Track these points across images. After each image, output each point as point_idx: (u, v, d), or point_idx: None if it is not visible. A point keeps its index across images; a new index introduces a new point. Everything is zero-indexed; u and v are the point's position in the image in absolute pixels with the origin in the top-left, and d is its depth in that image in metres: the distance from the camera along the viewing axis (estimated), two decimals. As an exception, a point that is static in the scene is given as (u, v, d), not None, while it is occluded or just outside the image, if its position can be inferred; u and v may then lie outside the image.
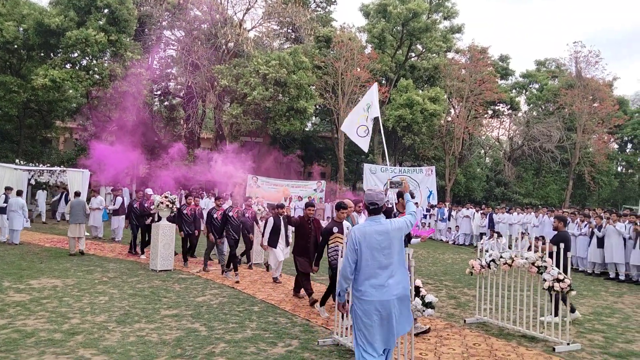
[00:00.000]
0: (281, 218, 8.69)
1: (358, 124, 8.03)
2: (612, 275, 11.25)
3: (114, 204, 14.16)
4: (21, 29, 19.77)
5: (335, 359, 5.01)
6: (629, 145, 35.28)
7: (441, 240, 19.04)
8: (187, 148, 21.85)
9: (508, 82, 33.26)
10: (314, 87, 23.72)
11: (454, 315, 7.06)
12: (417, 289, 5.04)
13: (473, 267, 6.68)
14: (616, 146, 34.47)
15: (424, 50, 28.40)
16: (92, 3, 19.73)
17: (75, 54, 19.88)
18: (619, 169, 35.67)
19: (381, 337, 3.74)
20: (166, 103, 26.49)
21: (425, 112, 23.54)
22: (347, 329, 5.35)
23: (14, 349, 4.87)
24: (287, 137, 24.59)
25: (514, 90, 32.91)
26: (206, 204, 15.88)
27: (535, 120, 29.93)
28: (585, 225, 12.20)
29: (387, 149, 10.35)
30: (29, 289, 7.53)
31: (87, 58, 20.05)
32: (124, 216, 14.16)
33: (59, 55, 20.23)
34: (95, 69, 19.96)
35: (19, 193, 13.39)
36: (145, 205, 11.14)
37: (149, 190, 12.24)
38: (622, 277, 10.99)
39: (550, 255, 5.92)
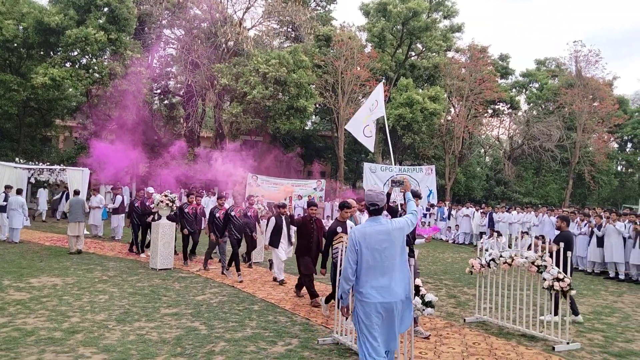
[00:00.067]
0: (283, 218, 8.63)
1: (364, 123, 8.02)
2: (611, 274, 11.26)
3: (113, 203, 14.17)
4: (21, 27, 19.75)
5: (335, 357, 5.02)
6: (629, 145, 35.29)
7: (441, 239, 19.05)
8: (187, 147, 21.84)
9: (508, 81, 33.26)
10: (314, 86, 23.70)
11: (453, 314, 7.07)
12: (416, 288, 5.04)
13: (473, 266, 6.68)
14: (616, 145, 34.47)
15: (424, 49, 28.38)
16: (92, 2, 19.71)
17: (75, 53, 19.87)
18: (619, 168, 35.68)
19: (382, 338, 3.72)
20: (166, 102, 26.48)
21: (425, 111, 23.53)
22: (347, 329, 5.35)
23: (14, 347, 4.87)
24: (287, 136, 24.58)
25: (514, 90, 32.91)
26: (206, 202, 15.87)
27: (535, 119, 29.93)
28: (585, 225, 12.20)
29: (388, 148, 10.34)
30: (29, 287, 7.54)
31: (86, 57, 20.03)
32: (123, 215, 14.19)
33: (59, 53, 20.21)
34: (95, 67, 19.94)
35: (19, 191, 13.39)
36: (147, 204, 11.14)
37: (150, 189, 12.23)
38: (621, 277, 11.00)
39: (553, 255, 5.91)
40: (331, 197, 22.13)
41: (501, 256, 6.38)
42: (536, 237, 7.28)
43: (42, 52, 20.91)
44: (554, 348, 5.51)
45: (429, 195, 21.64)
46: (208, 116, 29.20)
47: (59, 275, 8.59)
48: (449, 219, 19.21)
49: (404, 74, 27.19)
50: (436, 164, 25.01)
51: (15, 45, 20.12)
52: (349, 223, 6.66)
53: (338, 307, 5.48)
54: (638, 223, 10.80)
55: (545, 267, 5.88)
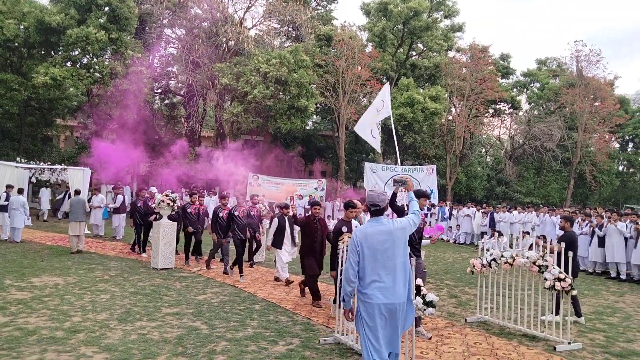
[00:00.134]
0: (286, 218, 8.57)
1: (372, 125, 8.01)
2: (613, 274, 11.24)
3: (114, 202, 14.18)
4: (22, 27, 19.77)
5: (336, 357, 5.02)
6: (630, 145, 35.25)
7: (442, 239, 19.03)
8: (188, 146, 21.85)
9: (509, 81, 33.23)
10: (315, 85, 23.69)
11: (454, 314, 7.06)
12: (417, 287, 5.03)
13: (474, 266, 6.68)
14: (617, 145, 34.44)
15: (424, 48, 28.36)
16: (93, 1, 19.71)
17: (76, 52, 19.88)
18: (620, 168, 35.65)
19: (385, 339, 3.69)
20: (167, 101, 26.48)
21: (426, 110, 23.52)
22: (348, 329, 5.35)
23: (16, 346, 4.88)
24: (287, 135, 24.58)
25: (515, 89, 32.88)
26: (207, 202, 15.87)
27: (536, 119, 29.90)
28: (587, 225, 12.19)
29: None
30: (30, 286, 7.54)
31: (87, 56, 20.04)
32: (124, 214, 14.21)
33: (60, 53, 20.23)
34: (96, 67, 19.95)
35: (20, 191, 13.41)
36: (149, 204, 11.14)
37: (153, 189, 12.23)
38: (623, 277, 10.99)
39: (558, 255, 5.90)
40: (332, 197, 22.12)
41: (502, 256, 6.38)
42: (537, 237, 7.27)
43: (43, 52, 20.92)
44: (555, 348, 5.50)
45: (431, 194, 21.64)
46: (209, 116, 29.21)
47: (61, 274, 8.60)
48: (450, 218, 19.20)
49: (405, 73, 27.17)
50: (437, 164, 24.99)
51: (16, 44, 20.13)
52: (354, 223, 6.63)
53: (339, 307, 5.47)
54: (639, 223, 10.78)
55: (547, 267, 5.88)
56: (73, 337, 5.23)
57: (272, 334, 5.68)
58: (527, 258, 6.07)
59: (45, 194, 18.47)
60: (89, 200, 14.33)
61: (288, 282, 8.47)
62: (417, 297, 4.97)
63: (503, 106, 31.53)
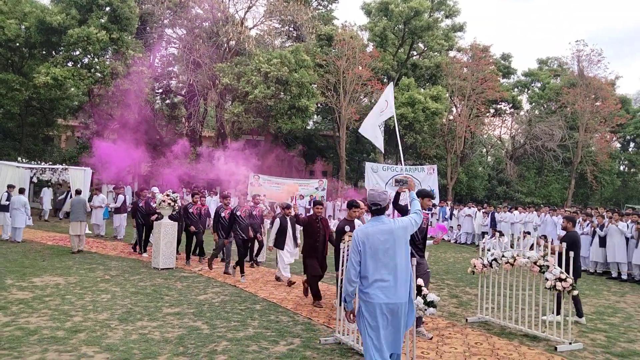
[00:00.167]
0: (288, 219, 8.54)
1: (376, 125, 7.99)
2: (614, 274, 11.23)
3: (115, 202, 14.18)
4: (23, 27, 19.79)
5: (337, 357, 5.01)
6: (632, 144, 35.22)
7: (443, 239, 19.00)
8: (189, 146, 21.86)
9: (510, 80, 33.22)
10: (316, 85, 23.70)
11: (455, 314, 7.06)
12: (418, 287, 5.03)
13: (475, 266, 6.68)
14: (618, 145, 34.41)
15: (425, 48, 28.36)
16: (94, 1, 19.73)
17: (77, 52, 19.89)
18: (622, 168, 35.62)
19: (387, 340, 3.66)
20: (168, 101, 26.50)
21: (427, 110, 23.51)
22: (349, 329, 5.35)
23: (17, 346, 4.89)
24: (288, 135, 24.59)
25: (516, 89, 32.86)
26: (208, 202, 15.87)
27: (537, 119, 29.88)
28: (588, 225, 12.18)
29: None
30: (31, 286, 7.55)
31: (88, 56, 20.06)
32: (125, 214, 14.21)
33: (61, 53, 20.25)
34: (97, 67, 19.97)
35: (22, 191, 13.43)
36: (151, 204, 11.13)
37: (155, 189, 12.23)
38: (624, 277, 10.97)
39: (560, 256, 5.90)
40: (333, 197, 22.12)
41: (503, 256, 6.37)
42: (538, 237, 7.27)
43: (44, 52, 20.95)
44: (556, 348, 5.50)
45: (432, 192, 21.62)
46: (210, 116, 29.22)
47: (62, 274, 8.61)
48: (451, 218, 19.18)
49: (406, 73, 27.17)
50: (438, 164, 24.99)
51: (18, 44, 20.16)
52: (357, 222, 6.62)
53: (340, 306, 5.47)
54: (640, 223, 10.77)
55: (548, 267, 5.87)
56: (74, 337, 5.24)
57: (273, 333, 5.68)
58: (528, 258, 6.06)
59: (47, 194, 18.51)
60: (89, 200, 14.35)
61: (290, 283, 8.42)
62: (418, 297, 4.96)
63: (504, 106, 31.52)
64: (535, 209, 17.53)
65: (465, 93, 25.50)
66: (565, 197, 28.89)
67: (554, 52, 68.86)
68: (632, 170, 35.62)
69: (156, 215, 10.65)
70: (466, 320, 6.65)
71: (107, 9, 20.23)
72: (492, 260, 6.49)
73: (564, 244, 6.47)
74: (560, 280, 5.72)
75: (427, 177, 21.85)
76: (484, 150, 35.70)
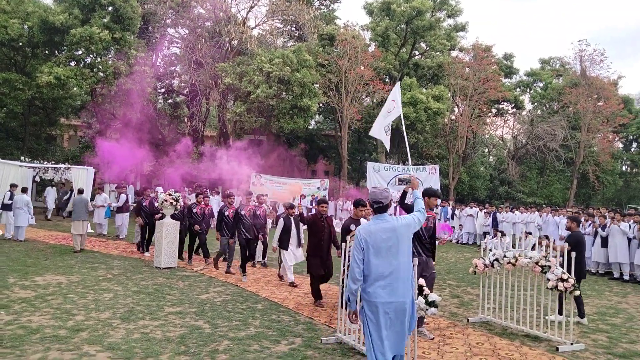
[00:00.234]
0: (292, 219, 8.51)
1: (384, 124, 7.95)
2: (616, 275, 11.21)
3: (117, 202, 14.22)
4: (26, 26, 19.85)
5: (338, 357, 5.02)
6: (634, 145, 35.14)
7: (439, 237, 18.90)
8: (192, 146, 21.88)
9: (512, 80, 33.16)
10: (318, 85, 23.70)
11: (457, 314, 7.06)
12: (420, 287, 5.03)
13: (476, 266, 6.67)
14: (621, 145, 34.32)
15: (427, 48, 28.33)
16: (97, 1, 19.76)
17: (80, 52, 19.93)
18: (624, 168, 35.54)
19: (389, 340, 3.63)
20: (170, 101, 26.55)
21: (429, 110, 23.49)
22: (350, 328, 5.36)
23: (20, 345, 4.91)
24: (290, 135, 24.59)
25: (518, 89, 32.81)
26: (210, 201, 15.86)
27: (539, 119, 29.83)
28: (590, 225, 12.15)
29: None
30: (34, 285, 7.58)
31: (91, 56, 20.10)
32: (128, 213, 14.24)
33: (64, 52, 20.29)
34: (100, 66, 20.00)
35: (24, 190, 13.48)
36: (155, 204, 11.13)
37: (159, 189, 12.24)
38: (626, 277, 10.95)
39: (569, 256, 5.89)
40: (335, 197, 22.13)
41: (505, 256, 6.37)
42: (540, 237, 7.25)
43: (46, 51, 21.01)
44: (557, 349, 5.49)
45: None
46: (212, 115, 29.24)
47: (64, 273, 8.64)
48: (452, 218, 19.16)
49: (408, 73, 27.15)
50: (440, 164, 24.99)
51: (20, 44, 20.22)
52: (362, 221, 6.61)
53: (341, 306, 5.46)
54: (643, 223, 10.74)
55: (549, 267, 5.87)
56: (76, 336, 5.26)
57: (274, 333, 5.69)
58: (530, 258, 6.06)
59: (50, 193, 18.61)
60: (92, 199, 14.39)
61: (292, 285, 8.42)
62: (420, 297, 4.97)
63: (506, 106, 31.48)
64: (537, 209, 17.51)
65: (467, 93, 25.46)
66: (567, 198, 28.83)
67: (557, 51, 68.74)
68: (634, 170, 35.55)
69: (160, 215, 10.65)
70: (468, 320, 6.65)
71: (110, 8, 20.26)
72: (493, 260, 6.49)
73: (566, 244, 6.47)
74: (562, 280, 5.71)
75: (428, 177, 21.84)
76: (486, 150, 35.66)
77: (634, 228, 10.86)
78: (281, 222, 8.54)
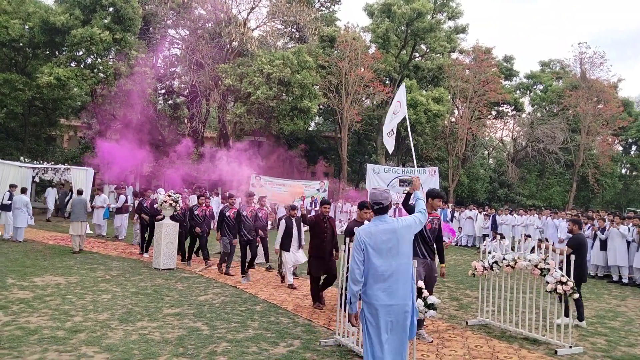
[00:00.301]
0: (293, 220, 8.49)
1: (390, 127, 7.89)
2: (615, 278, 11.20)
3: (117, 202, 14.22)
4: (27, 27, 19.86)
5: (337, 359, 5.02)
6: (634, 148, 35.16)
7: (444, 241, 18.92)
8: (192, 147, 21.88)
9: (512, 83, 33.20)
10: (318, 86, 23.72)
11: (456, 316, 7.05)
12: (419, 290, 5.03)
13: (476, 268, 6.67)
14: (620, 148, 34.35)
15: (428, 50, 28.36)
16: (97, 1, 19.79)
17: (80, 52, 19.95)
18: (623, 171, 35.55)
19: (390, 346, 3.57)
20: (170, 102, 26.57)
21: (429, 112, 23.50)
22: (349, 331, 5.35)
23: (17, 346, 4.90)
24: (290, 136, 24.61)
25: (518, 91, 32.84)
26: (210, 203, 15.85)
27: (539, 121, 29.86)
28: (589, 228, 12.16)
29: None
30: (32, 286, 7.57)
31: (92, 56, 20.12)
32: (127, 214, 14.23)
33: (64, 53, 20.32)
34: (100, 67, 20.02)
35: (24, 190, 13.47)
36: (155, 205, 11.12)
37: (161, 190, 12.23)
38: (625, 280, 10.95)
39: (568, 259, 5.89)
40: (334, 198, 22.12)
41: (504, 259, 6.37)
42: (539, 240, 7.26)
43: (47, 52, 21.02)
44: (556, 352, 5.49)
45: None
46: (212, 116, 29.26)
47: (63, 274, 8.63)
48: (452, 221, 19.14)
49: (408, 75, 27.17)
50: (439, 166, 25.00)
51: (21, 44, 20.23)
52: (366, 223, 6.57)
53: (340, 307, 5.45)
54: (642, 226, 10.74)
55: (549, 270, 5.87)
56: (74, 337, 5.25)
57: (273, 335, 5.69)
58: (529, 261, 6.06)
59: (51, 194, 18.62)
60: (91, 200, 14.39)
61: (291, 287, 8.41)
62: (419, 299, 4.96)
63: (506, 108, 31.51)
64: (536, 211, 17.51)
65: (467, 95, 25.49)
66: (566, 200, 28.84)
67: (557, 54, 68.87)
68: (633, 173, 35.55)
69: (162, 216, 10.61)
70: (466, 323, 6.65)
71: (111, 9, 20.29)
72: (492, 263, 6.49)
73: (566, 247, 6.48)
74: (561, 283, 5.71)
75: (428, 179, 21.84)
76: (486, 152, 35.69)
77: (633, 231, 10.87)
78: (283, 223, 8.50)
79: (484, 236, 16.51)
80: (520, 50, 60.43)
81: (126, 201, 14.07)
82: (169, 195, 9.83)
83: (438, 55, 28.26)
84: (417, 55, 28.69)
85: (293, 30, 27.31)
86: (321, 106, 25.89)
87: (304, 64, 21.96)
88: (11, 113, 20.96)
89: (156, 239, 9.85)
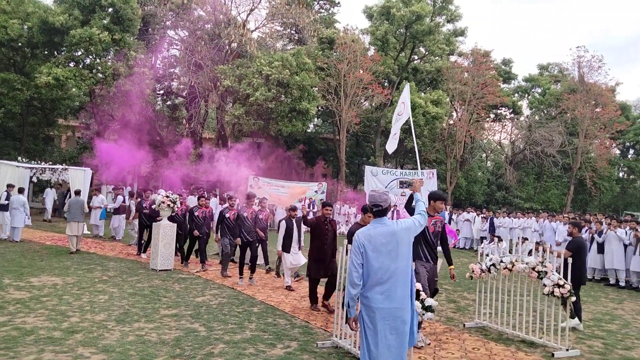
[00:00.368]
0: (294, 221, 8.45)
1: (395, 130, 7.85)
2: (612, 281, 11.23)
3: (114, 203, 14.19)
4: (25, 27, 19.84)
5: (334, 361, 5.01)
6: (631, 151, 35.27)
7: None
8: (190, 148, 21.86)
9: (510, 86, 33.30)
10: (317, 88, 23.75)
11: (453, 319, 7.06)
12: (417, 292, 5.03)
13: (473, 271, 6.68)
14: (618, 152, 34.47)
15: (426, 53, 28.43)
16: (97, 2, 19.79)
17: (79, 53, 19.94)
18: (621, 174, 35.67)
19: (388, 351, 3.52)
20: (169, 102, 26.56)
21: (428, 115, 23.55)
22: (346, 332, 5.35)
23: (14, 346, 4.88)
24: (289, 138, 24.62)
25: (516, 94, 32.93)
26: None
27: (537, 124, 29.95)
28: (586, 231, 12.18)
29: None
30: (29, 286, 7.55)
31: (90, 57, 20.10)
32: (124, 215, 14.21)
33: (63, 53, 20.29)
34: (99, 67, 20.01)
35: (21, 190, 13.44)
36: (153, 206, 11.08)
37: (162, 192, 12.21)
38: (622, 284, 10.97)
39: (565, 262, 5.90)
40: (332, 200, 22.12)
41: (502, 261, 6.38)
42: (537, 243, 7.27)
43: (46, 52, 21.00)
44: (553, 354, 5.49)
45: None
46: (210, 117, 29.26)
47: (59, 274, 8.60)
48: (449, 223, 19.15)
49: (407, 77, 27.23)
50: (437, 168, 25.03)
51: (20, 44, 20.20)
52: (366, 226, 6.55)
53: (342, 309, 5.43)
54: (639, 230, 10.77)
55: (546, 272, 5.88)
56: (71, 338, 5.23)
57: (270, 336, 5.68)
58: (527, 264, 6.07)
59: (49, 195, 18.57)
60: (89, 200, 14.36)
61: (289, 289, 8.40)
62: (416, 301, 4.97)
63: (504, 111, 31.59)
64: (534, 214, 17.54)
65: (466, 98, 25.55)
66: (564, 203, 28.91)
67: (555, 58, 69.03)
68: (631, 177, 35.66)
69: (162, 217, 10.58)
70: (464, 325, 6.65)
71: (110, 10, 20.28)
72: (490, 265, 6.50)
73: (566, 250, 6.49)
74: (558, 286, 5.72)
75: (426, 181, 21.84)
76: (484, 155, 35.76)
77: (630, 234, 10.90)
78: (283, 224, 8.45)
79: (482, 239, 16.54)
80: (519, 54, 60.69)
81: (124, 201, 14.05)
82: (167, 196, 9.82)
83: (437, 57, 28.33)
84: (416, 57, 28.76)
85: (292, 32, 27.35)
86: (320, 108, 25.92)
87: (303, 65, 21.99)
88: (9, 113, 20.91)
89: (154, 239, 9.83)
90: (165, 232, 9.64)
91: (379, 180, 21.44)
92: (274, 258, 10.27)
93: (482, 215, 17.94)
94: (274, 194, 19.91)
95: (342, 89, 23.67)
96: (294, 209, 8.69)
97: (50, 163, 18.57)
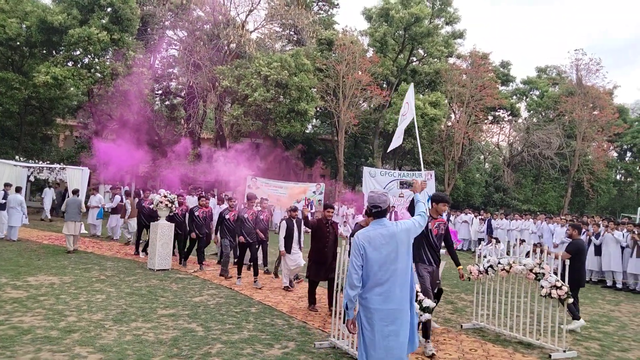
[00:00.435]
0: (294, 221, 8.44)
1: (402, 130, 7.82)
2: (609, 283, 11.26)
3: (112, 202, 14.17)
4: (24, 26, 19.79)
5: (332, 361, 5.01)
6: (629, 154, 35.40)
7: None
8: (188, 148, 21.84)
9: (509, 88, 33.37)
10: (315, 89, 23.76)
11: (450, 320, 7.07)
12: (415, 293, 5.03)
13: (471, 272, 6.69)
14: (615, 154, 34.58)
15: (425, 54, 28.47)
16: (96, 1, 19.77)
17: (78, 52, 19.91)
18: (618, 177, 35.79)
19: (386, 352, 3.49)
20: (167, 102, 26.53)
21: (426, 116, 23.57)
22: (344, 333, 5.35)
23: (10, 345, 4.87)
24: (287, 139, 24.63)
25: (514, 97, 33.00)
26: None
27: (535, 127, 30.02)
28: (583, 233, 12.20)
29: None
30: (26, 285, 7.53)
31: (89, 56, 20.08)
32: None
33: (61, 52, 20.26)
34: (97, 67, 19.98)
35: (18, 189, 13.42)
36: (151, 206, 11.05)
37: (162, 192, 12.20)
38: (619, 286, 11.01)
39: (564, 264, 5.91)
40: (330, 201, 22.11)
41: (499, 263, 6.39)
42: (534, 244, 7.29)
43: (44, 51, 20.95)
44: (550, 356, 5.51)
45: (427, 201, 21.61)
46: (209, 118, 29.25)
47: (57, 274, 8.58)
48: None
49: (405, 79, 27.27)
50: (435, 170, 25.06)
51: (18, 43, 20.15)
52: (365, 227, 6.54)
53: (343, 312, 5.43)
54: (636, 232, 10.82)
55: (543, 274, 5.89)
56: (68, 337, 5.22)
57: (267, 337, 5.68)
58: (524, 265, 6.09)
59: (48, 194, 18.53)
60: (86, 200, 14.33)
61: (286, 289, 8.39)
62: (414, 302, 4.97)
63: (502, 113, 31.65)
64: (531, 216, 17.58)
65: (464, 100, 25.60)
66: (561, 205, 28.98)
67: (553, 60, 69.18)
68: (628, 179, 35.80)
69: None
70: (461, 326, 6.66)
71: (109, 9, 20.26)
72: (487, 267, 6.51)
73: (565, 252, 6.50)
74: (556, 287, 5.74)
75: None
76: (482, 157, 35.82)
77: (627, 237, 10.94)
78: (283, 224, 8.42)
79: (480, 240, 16.57)
80: (517, 56, 60.83)
81: (121, 201, 14.03)
82: (165, 196, 9.80)
83: (435, 59, 28.38)
84: (415, 59, 28.80)
85: (291, 32, 27.37)
86: (318, 109, 25.94)
87: (302, 66, 22.00)
88: (7, 112, 20.86)
89: (151, 239, 9.81)
90: (163, 232, 9.62)
91: (377, 181, 21.46)
92: (273, 259, 10.28)
93: (480, 217, 17.96)
94: (272, 195, 19.90)
95: (341, 90, 23.69)
96: (294, 209, 8.70)
97: (48, 162, 18.53)
